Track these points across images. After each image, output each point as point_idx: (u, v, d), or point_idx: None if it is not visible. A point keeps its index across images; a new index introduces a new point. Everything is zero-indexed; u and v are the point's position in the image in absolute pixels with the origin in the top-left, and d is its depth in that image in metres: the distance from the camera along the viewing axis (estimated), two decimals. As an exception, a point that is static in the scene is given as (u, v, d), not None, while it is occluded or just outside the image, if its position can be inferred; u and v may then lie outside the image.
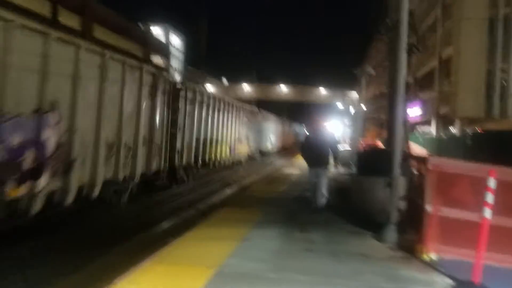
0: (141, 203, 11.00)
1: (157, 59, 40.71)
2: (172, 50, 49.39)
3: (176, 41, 53.90)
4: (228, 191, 14.97)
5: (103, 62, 8.35)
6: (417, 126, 30.54)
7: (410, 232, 6.46)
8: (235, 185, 15.52)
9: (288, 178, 15.35)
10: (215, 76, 66.21)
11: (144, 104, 10.24)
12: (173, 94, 12.35)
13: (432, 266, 5.45)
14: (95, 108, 8.16)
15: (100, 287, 4.55)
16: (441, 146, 17.50)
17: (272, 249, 5.98)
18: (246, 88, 62.63)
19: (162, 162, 11.53)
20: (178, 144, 12.77)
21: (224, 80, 72.71)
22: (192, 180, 14.61)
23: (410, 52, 8.44)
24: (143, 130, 10.11)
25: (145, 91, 10.26)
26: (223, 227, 7.17)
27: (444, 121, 27.34)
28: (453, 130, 25.01)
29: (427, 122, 30.09)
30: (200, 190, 14.14)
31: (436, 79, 29.03)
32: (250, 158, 25.57)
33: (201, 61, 34.02)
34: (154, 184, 11.45)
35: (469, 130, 17.83)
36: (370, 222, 7.10)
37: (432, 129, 28.97)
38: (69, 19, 23.47)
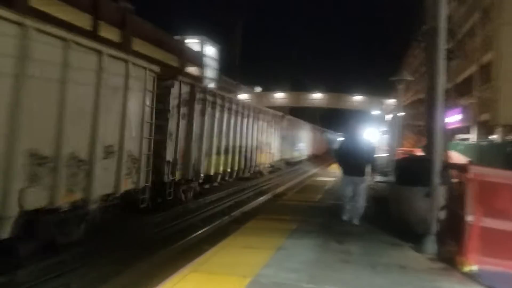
0: (174, 211, 11.11)
1: (192, 69, 41.59)
2: (207, 60, 50.27)
3: (210, 51, 54.87)
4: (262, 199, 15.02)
5: (23, 31, 5.87)
6: (457, 133, 29.70)
7: (451, 243, 6.26)
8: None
9: (322, 186, 15.21)
10: (249, 85, 66.84)
11: (107, 102, 7.67)
12: (159, 91, 9.67)
13: (473, 278, 5.27)
14: (4, 105, 5.72)
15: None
16: (482, 154, 16.97)
17: (308, 259, 5.94)
18: (279, 95, 62.68)
19: (142, 179, 8.98)
20: (169, 155, 10.66)
21: (258, 88, 73.31)
22: (192, 199, 12.47)
23: (448, 58, 8.26)
24: (105, 137, 7.63)
25: (109, 83, 7.67)
26: (258, 236, 7.18)
27: (485, 128, 26.46)
28: (494, 137, 24.17)
29: (467, 129, 29.22)
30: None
31: (476, 85, 28.19)
32: (274, 168, 23.80)
33: (235, 70, 34.35)
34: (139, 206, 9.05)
35: (510, 138, 17.17)
36: (408, 233, 6.95)
37: (472, 136, 28.10)
38: (109, 33, 24.37)
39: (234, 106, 15.55)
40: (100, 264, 7.06)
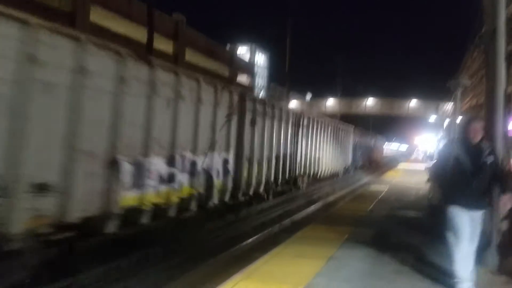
0: (224, 219, 11.17)
1: (242, 78, 42.13)
2: (257, 68, 50.74)
3: (260, 58, 55.40)
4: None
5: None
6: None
7: (514, 256, 5.94)
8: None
9: (375, 195, 14.85)
10: (300, 92, 66.74)
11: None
12: None
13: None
14: None
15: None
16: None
17: (360, 269, 5.83)
18: (330, 102, 61.91)
19: None
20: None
21: (308, 96, 73.04)
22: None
23: (509, 61, 7.86)
24: None
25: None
26: (309, 245, 7.12)
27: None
28: None
29: (531, 135, 27.53)
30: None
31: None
32: (323, 177, 21.77)
33: (285, 78, 34.50)
34: None
35: None
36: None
37: (537, 143, 26.44)
38: (163, 44, 25.19)
39: (275, 112, 13.49)
40: (155, 271, 7.26)
